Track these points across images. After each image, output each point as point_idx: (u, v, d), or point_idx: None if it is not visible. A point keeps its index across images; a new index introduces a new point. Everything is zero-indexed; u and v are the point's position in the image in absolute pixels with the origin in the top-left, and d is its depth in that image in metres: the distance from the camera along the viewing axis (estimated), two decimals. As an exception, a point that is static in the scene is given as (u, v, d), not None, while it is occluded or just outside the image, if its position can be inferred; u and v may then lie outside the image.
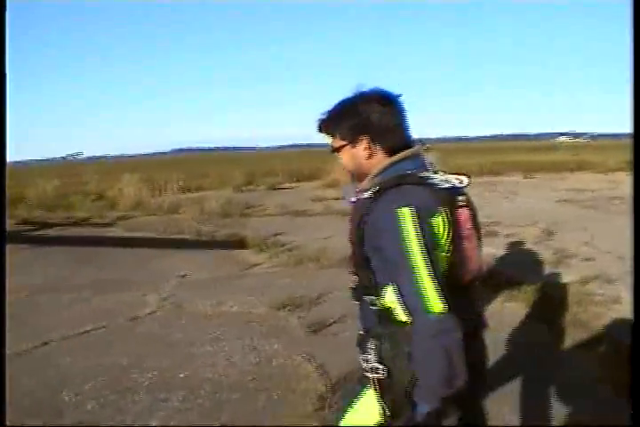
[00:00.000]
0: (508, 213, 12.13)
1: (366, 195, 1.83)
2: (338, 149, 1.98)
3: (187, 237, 11.52)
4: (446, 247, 1.80)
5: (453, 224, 1.81)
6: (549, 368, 4.30)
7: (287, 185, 23.01)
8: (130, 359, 4.90)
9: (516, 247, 8.62)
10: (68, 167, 57.69)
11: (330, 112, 1.98)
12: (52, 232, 13.70)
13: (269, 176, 24.63)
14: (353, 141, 1.93)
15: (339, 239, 5.52)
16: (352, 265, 1.95)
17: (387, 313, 1.81)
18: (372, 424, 1.90)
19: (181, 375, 4.52)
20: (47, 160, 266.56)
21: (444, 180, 1.86)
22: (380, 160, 1.92)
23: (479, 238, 2.01)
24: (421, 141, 3.82)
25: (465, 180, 1.94)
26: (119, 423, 3.83)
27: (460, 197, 1.89)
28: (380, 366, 1.80)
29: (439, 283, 1.67)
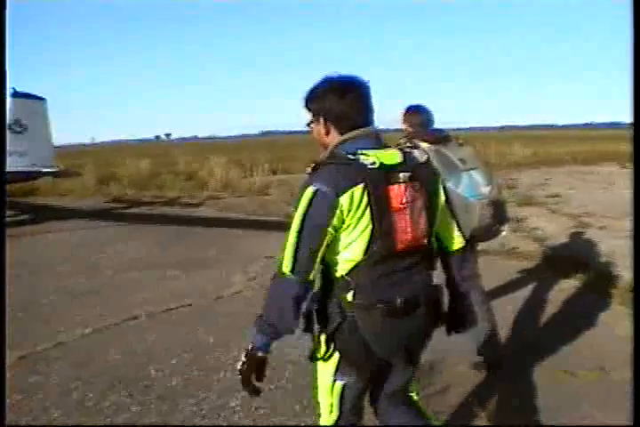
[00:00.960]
0: (603, 205, 11.70)
1: (308, 170, 2.16)
2: (309, 124, 2.33)
3: (275, 218, 11.57)
4: (364, 219, 2.05)
5: (380, 199, 2.05)
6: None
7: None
8: (215, 338, 4.93)
9: (609, 240, 8.27)
10: (159, 147, 58.99)
11: (306, 93, 2.28)
12: (142, 210, 14.03)
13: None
14: (316, 120, 2.26)
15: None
16: None
17: (322, 270, 2.20)
18: (330, 366, 2.29)
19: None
20: (138, 140, 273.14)
21: (377, 159, 2.08)
22: (335, 138, 2.22)
23: (428, 211, 2.18)
24: (457, 136, 3.83)
25: (425, 156, 2.24)
26: (201, 401, 3.86)
27: (402, 175, 2.10)
28: (314, 312, 2.21)
29: (302, 253, 2.04)
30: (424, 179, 2.18)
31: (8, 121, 13.42)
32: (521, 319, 5.24)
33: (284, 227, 2.22)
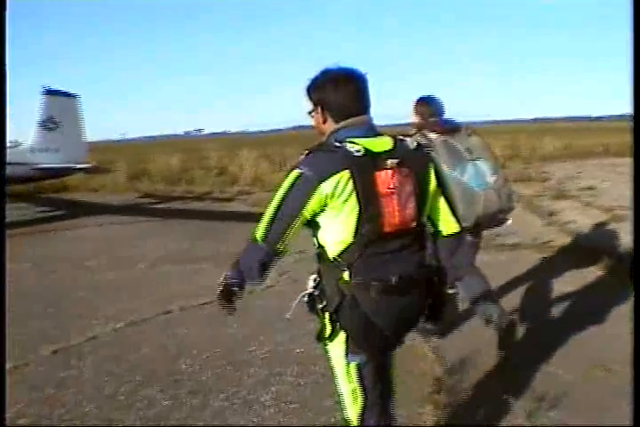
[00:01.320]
0: (637, 197, 11.52)
1: (301, 157, 2.28)
2: (310, 112, 2.44)
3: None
4: (350, 204, 2.16)
5: (367, 184, 2.15)
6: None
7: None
8: (246, 333, 4.93)
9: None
10: (190, 143, 59.23)
11: (308, 83, 2.39)
12: (173, 206, 14.11)
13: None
14: (315, 109, 2.38)
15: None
16: None
17: (319, 253, 2.36)
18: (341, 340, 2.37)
19: (297, 351, 4.51)
20: (168, 136, 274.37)
21: (363, 146, 2.19)
22: (331, 126, 2.34)
23: (417, 196, 2.26)
24: (466, 126, 3.89)
25: (415, 143, 2.33)
26: (232, 396, 3.87)
27: (389, 161, 2.20)
28: (316, 292, 2.35)
29: (275, 227, 2.21)
30: (413, 165, 2.28)
31: (41, 118, 13.59)
32: (547, 312, 5.19)
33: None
